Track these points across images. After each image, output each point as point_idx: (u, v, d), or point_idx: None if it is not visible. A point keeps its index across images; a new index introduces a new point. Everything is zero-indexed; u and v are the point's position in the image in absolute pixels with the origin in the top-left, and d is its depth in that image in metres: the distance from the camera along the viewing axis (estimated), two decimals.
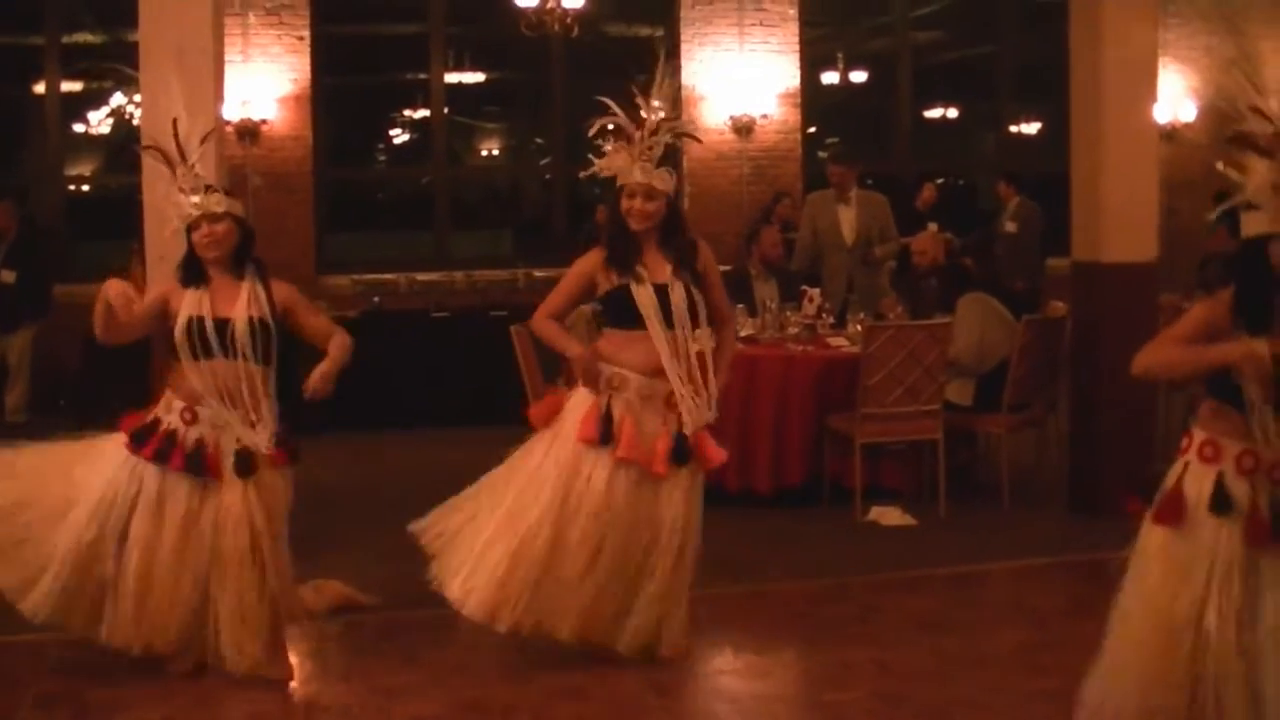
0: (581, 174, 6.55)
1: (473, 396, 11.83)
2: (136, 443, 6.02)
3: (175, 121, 6.19)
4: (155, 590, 5.97)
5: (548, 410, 6.40)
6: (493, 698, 6.06)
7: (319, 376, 6.08)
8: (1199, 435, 4.88)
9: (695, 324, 6.32)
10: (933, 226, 11.91)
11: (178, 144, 6.13)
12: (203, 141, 6.25)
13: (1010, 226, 14.69)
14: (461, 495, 6.33)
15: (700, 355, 6.35)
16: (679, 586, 6.34)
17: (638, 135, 6.31)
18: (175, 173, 6.12)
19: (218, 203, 6.07)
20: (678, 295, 6.27)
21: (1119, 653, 4.92)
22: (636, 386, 6.26)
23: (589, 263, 6.41)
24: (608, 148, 6.40)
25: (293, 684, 6.07)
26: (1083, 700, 5.00)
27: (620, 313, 6.31)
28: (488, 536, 6.16)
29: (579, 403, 6.29)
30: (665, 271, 6.32)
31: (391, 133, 18.05)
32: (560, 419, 6.30)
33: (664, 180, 6.33)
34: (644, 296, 6.24)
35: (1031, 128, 18.12)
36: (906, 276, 11.48)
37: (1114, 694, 4.90)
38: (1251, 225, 4.77)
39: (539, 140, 17.72)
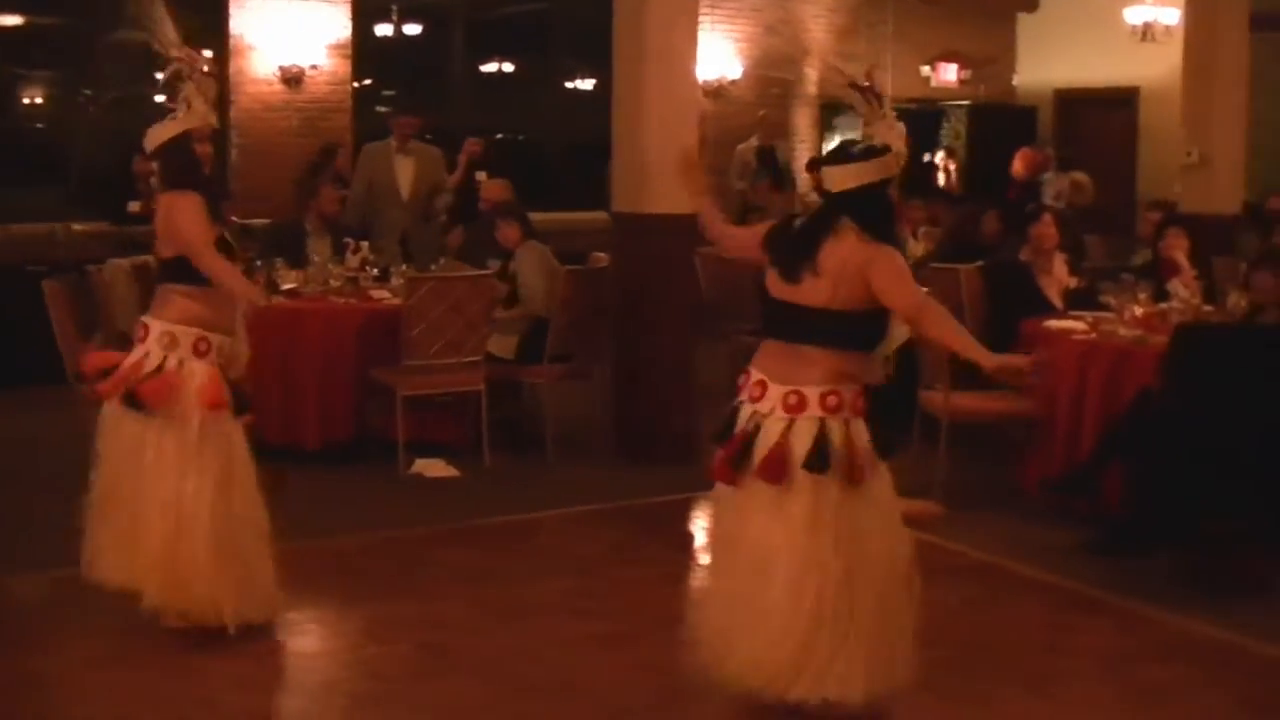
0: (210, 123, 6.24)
1: (6, 356, 11.30)
2: None
3: None
4: None
5: (104, 363, 6.17)
6: None
7: None
8: (756, 374, 5.07)
9: None
10: (482, 175, 11.85)
11: None
12: None
13: None
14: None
15: None
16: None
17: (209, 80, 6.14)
18: None
19: None
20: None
21: (723, 596, 5.15)
22: (218, 346, 6.09)
23: (198, 203, 6.01)
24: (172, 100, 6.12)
25: None
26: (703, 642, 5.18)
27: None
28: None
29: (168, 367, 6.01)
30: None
31: None
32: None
33: None
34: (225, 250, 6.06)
35: (587, 84, 18.34)
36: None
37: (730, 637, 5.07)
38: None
39: (87, 91, 17.07)
